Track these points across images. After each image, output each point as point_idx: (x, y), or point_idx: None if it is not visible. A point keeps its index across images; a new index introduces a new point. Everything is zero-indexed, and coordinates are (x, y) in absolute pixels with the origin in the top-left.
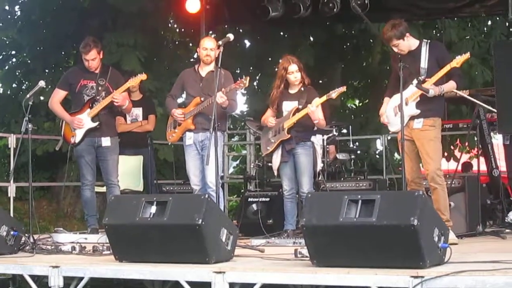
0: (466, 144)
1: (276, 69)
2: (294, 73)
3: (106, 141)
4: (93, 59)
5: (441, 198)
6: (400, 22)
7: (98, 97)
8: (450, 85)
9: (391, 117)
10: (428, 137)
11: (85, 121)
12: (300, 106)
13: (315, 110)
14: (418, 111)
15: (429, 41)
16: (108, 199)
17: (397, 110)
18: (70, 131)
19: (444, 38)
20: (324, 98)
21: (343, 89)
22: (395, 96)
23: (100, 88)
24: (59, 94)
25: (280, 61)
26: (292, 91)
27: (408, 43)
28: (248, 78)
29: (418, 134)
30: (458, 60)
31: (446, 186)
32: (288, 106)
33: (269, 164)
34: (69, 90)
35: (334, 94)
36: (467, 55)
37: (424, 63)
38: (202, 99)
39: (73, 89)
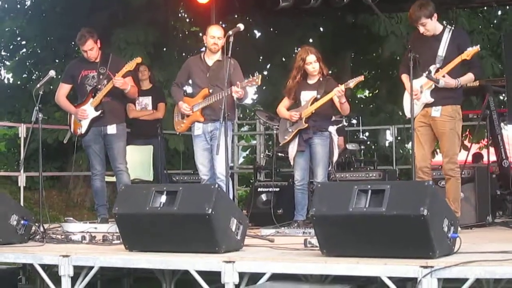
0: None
1: (282, 60)
2: (312, 63)
3: (111, 129)
4: (90, 49)
5: (453, 188)
6: (429, 2)
7: (100, 86)
8: (468, 78)
9: (407, 104)
10: (446, 127)
11: (88, 111)
12: (319, 96)
13: (343, 93)
14: (432, 99)
15: (452, 28)
16: (118, 188)
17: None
18: (77, 123)
19: None
20: (343, 87)
21: (361, 78)
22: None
23: (101, 77)
24: (63, 88)
25: (298, 51)
26: (311, 81)
27: (435, 25)
28: (260, 76)
29: (437, 123)
30: (468, 53)
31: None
32: (306, 96)
33: (279, 154)
34: (73, 82)
35: (352, 83)
36: (477, 48)
37: (442, 51)
38: (210, 90)
39: (75, 81)
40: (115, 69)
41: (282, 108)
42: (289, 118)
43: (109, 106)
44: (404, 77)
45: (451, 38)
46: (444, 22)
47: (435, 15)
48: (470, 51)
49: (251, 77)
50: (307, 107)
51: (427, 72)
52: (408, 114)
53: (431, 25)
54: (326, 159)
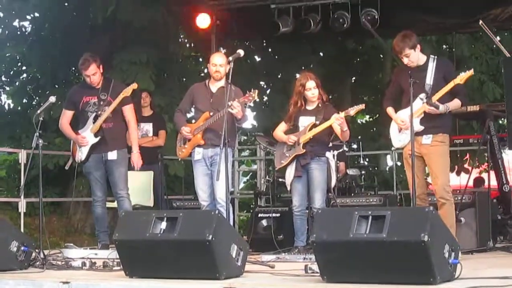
0: (476, 159)
1: (283, 85)
2: (311, 89)
3: (112, 155)
4: (93, 73)
5: (448, 213)
6: (411, 33)
7: (100, 112)
8: (455, 104)
9: (394, 134)
10: (438, 153)
11: (88, 138)
12: (317, 122)
13: (343, 120)
14: (422, 128)
15: (436, 57)
16: (119, 214)
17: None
18: (78, 149)
19: (455, 54)
20: (343, 114)
21: (362, 106)
22: (399, 112)
23: (102, 103)
24: (66, 115)
25: (298, 77)
26: (310, 107)
27: (418, 56)
28: (256, 91)
29: (427, 149)
30: (462, 77)
31: (454, 202)
32: (304, 121)
33: (280, 179)
34: (74, 108)
35: (352, 111)
36: (470, 72)
37: (430, 79)
38: (211, 114)
39: (77, 107)
40: (116, 95)
41: (279, 131)
42: (286, 141)
43: (109, 132)
44: (390, 110)
45: (436, 67)
46: (444, 46)
47: (419, 46)
48: (464, 76)
49: (248, 92)
50: (305, 132)
51: (427, 98)
52: (395, 144)
53: (414, 56)
54: (323, 184)
